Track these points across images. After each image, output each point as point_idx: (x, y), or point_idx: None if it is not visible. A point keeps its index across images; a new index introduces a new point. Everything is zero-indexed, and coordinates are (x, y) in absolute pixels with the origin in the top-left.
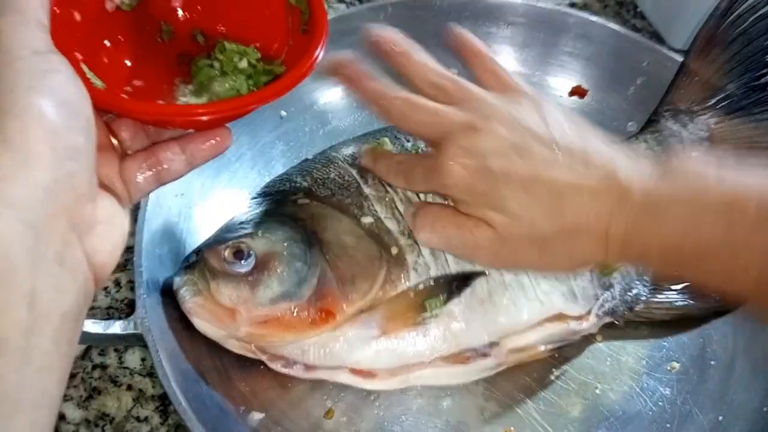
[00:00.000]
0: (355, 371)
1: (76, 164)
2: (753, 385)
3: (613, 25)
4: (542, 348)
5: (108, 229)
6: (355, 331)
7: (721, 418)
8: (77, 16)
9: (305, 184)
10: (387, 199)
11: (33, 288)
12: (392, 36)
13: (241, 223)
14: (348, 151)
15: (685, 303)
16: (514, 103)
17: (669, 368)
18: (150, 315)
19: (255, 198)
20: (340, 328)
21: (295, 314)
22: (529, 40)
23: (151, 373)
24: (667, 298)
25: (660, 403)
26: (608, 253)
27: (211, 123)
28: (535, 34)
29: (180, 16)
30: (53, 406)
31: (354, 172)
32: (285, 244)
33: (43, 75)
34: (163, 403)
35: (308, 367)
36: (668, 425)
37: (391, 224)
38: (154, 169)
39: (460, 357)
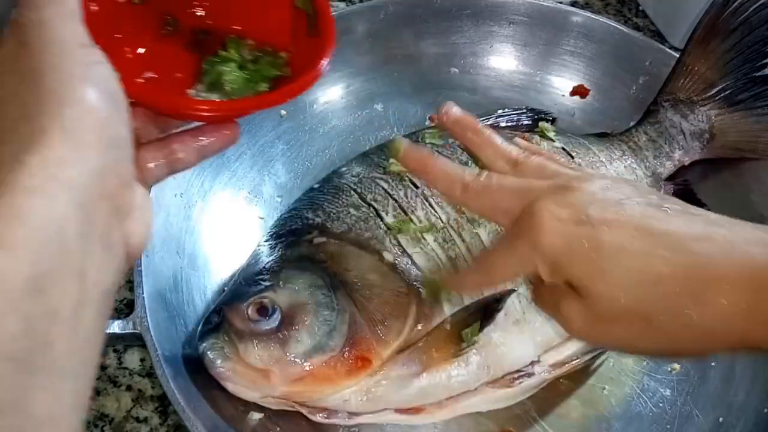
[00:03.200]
0: (401, 410)
1: (120, 153)
2: (754, 386)
3: (615, 24)
4: (580, 359)
5: (141, 215)
6: (395, 373)
7: (721, 419)
8: (94, 7)
9: (318, 219)
10: (411, 229)
11: (82, 265)
12: (461, 115)
13: (259, 272)
14: (354, 175)
15: None
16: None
17: (669, 369)
18: (149, 314)
19: (267, 240)
20: (379, 372)
21: (330, 366)
22: (531, 39)
23: (151, 374)
24: None
25: (660, 404)
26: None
27: (222, 118)
28: (536, 32)
29: (187, 11)
30: (90, 378)
31: (368, 199)
32: (309, 293)
33: (91, 67)
34: (163, 403)
35: (352, 414)
36: (668, 426)
37: (418, 258)
38: (167, 159)
39: (504, 381)
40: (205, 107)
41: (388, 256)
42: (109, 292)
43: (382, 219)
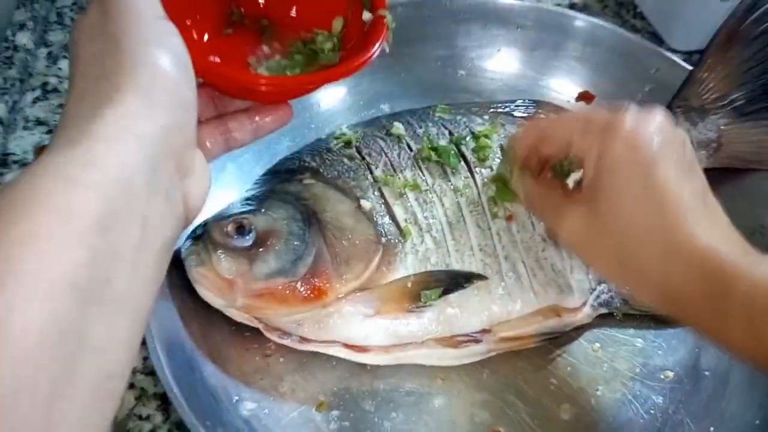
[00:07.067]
0: (349, 346)
1: (186, 115)
2: (747, 397)
3: (623, 31)
4: (535, 338)
5: (200, 177)
6: (350, 308)
7: (713, 429)
8: None
9: (314, 164)
10: (398, 183)
11: (145, 213)
12: None
13: (247, 199)
14: (356, 132)
15: None
16: None
17: (663, 376)
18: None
19: (265, 175)
20: (335, 305)
21: (288, 289)
22: (538, 44)
23: (153, 372)
24: None
25: (651, 411)
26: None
27: (278, 95)
28: (544, 37)
29: (250, 0)
30: (143, 321)
31: (363, 153)
32: (285, 223)
33: (165, 36)
34: (165, 401)
35: (303, 340)
36: None
37: (398, 209)
38: (223, 136)
39: (452, 341)
40: (265, 81)
41: (366, 204)
42: (167, 246)
43: (371, 172)
